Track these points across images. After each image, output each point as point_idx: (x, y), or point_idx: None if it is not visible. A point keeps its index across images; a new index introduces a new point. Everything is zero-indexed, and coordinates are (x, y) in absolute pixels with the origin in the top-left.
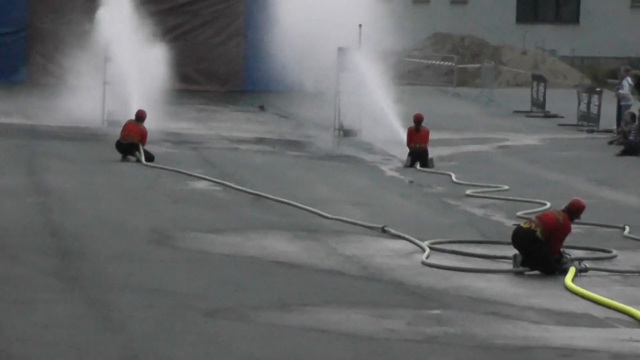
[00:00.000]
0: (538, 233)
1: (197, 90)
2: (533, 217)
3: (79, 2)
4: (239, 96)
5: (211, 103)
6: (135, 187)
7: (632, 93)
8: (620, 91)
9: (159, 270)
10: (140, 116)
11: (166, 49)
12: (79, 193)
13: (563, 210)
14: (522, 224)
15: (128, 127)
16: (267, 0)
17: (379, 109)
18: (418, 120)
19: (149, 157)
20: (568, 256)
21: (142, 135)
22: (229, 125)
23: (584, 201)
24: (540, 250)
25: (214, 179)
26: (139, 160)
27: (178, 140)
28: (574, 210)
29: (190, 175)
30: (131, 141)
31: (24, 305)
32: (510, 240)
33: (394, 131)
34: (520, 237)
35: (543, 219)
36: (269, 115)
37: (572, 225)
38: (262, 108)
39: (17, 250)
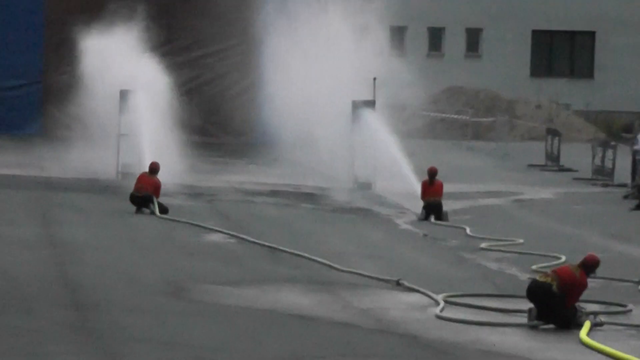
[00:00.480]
0: (554, 287)
1: (211, 143)
2: (549, 271)
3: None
4: (253, 149)
5: (226, 155)
6: (150, 239)
7: None
8: (635, 147)
9: (174, 323)
10: (154, 168)
11: (181, 102)
12: (93, 245)
13: (578, 266)
14: (537, 278)
15: (142, 180)
16: (282, 53)
17: (393, 162)
18: (432, 173)
19: (163, 210)
20: (583, 310)
21: (156, 188)
22: (244, 177)
23: (598, 256)
24: (556, 304)
25: (228, 232)
26: (153, 213)
27: (192, 192)
28: (589, 266)
29: (204, 227)
30: (145, 194)
31: (39, 358)
32: (525, 293)
33: (408, 184)
34: (536, 291)
35: (559, 273)
36: (283, 168)
37: (588, 280)
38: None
39: (32, 302)
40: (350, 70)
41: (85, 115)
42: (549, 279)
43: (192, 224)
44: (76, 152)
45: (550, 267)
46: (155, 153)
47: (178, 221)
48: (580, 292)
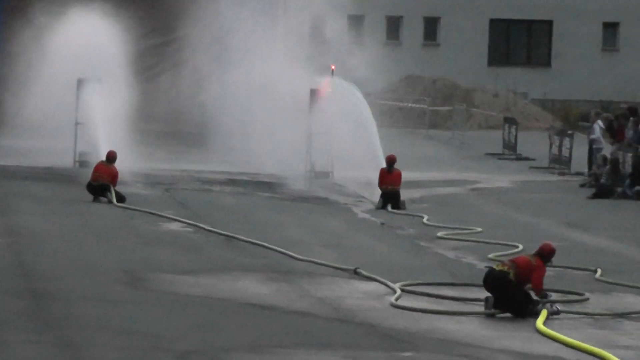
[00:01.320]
0: (511, 275)
1: (168, 132)
2: (506, 260)
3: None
4: (210, 137)
5: (182, 144)
6: (107, 228)
7: (603, 136)
8: (592, 136)
9: (131, 312)
10: (111, 157)
11: (139, 90)
12: (50, 234)
13: (534, 254)
14: (494, 266)
15: (99, 169)
16: (240, 43)
17: (350, 151)
18: (391, 161)
19: (121, 198)
20: (549, 296)
21: (113, 177)
22: (201, 166)
23: (554, 244)
24: (512, 292)
25: (185, 220)
26: (110, 202)
27: (150, 181)
28: (545, 254)
29: (162, 216)
30: (102, 183)
31: None
32: (482, 282)
33: (366, 173)
34: (493, 280)
35: (516, 261)
36: (240, 157)
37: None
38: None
39: None
40: (308, 59)
41: (41, 104)
42: (505, 268)
43: (149, 213)
44: (33, 141)
45: (508, 256)
46: (112, 142)
47: (135, 210)
48: (541, 273)
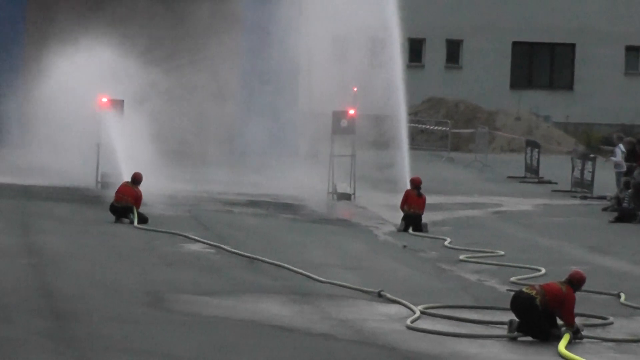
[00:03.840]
0: (537, 301)
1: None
2: (537, 285)
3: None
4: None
5: (206, 164)
6: (129, 249)
7: (626, 160)
8: (612, 158)
9: (153, 333)
10: (137, 179)
11: (163, 111)
12: (72, 254)
13: (565, 282)
14: (524, 289)
15: (122, 190)
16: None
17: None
18: (418, 184)
19: (143, 219)
20: (581, 328)
21: (137, 198)
22: (223, 187)
23: (584, 273)
24: (537, 317)
25: (208, 242)
26: (132, 222)
27: (172, 202)
28: (575, 282)
29: (184, 236)
30: (125, 204)
31: None
32: (503, 305)
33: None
34: (519, 303)
35: (545, 288)
36: (263, 178)
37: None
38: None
39: (10, 311)
40: (332, 81)
41: (65, 124)
42: (534, 292)
43: (171, 233)
44: (56, 161)
45: (530, 280)
46: (134, 162)
47: (157, 231)
48: (572, 306)
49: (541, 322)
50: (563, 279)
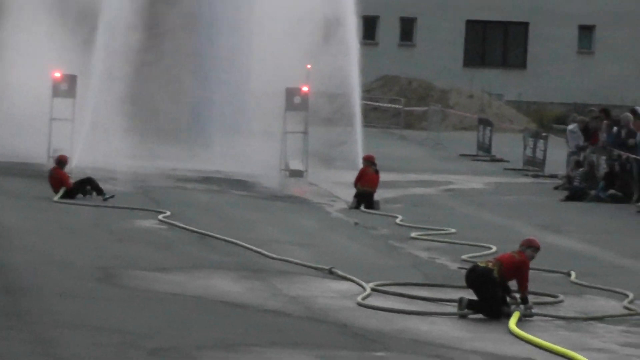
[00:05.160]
0: (495, 273)
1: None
2: (491, 258)
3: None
4: (186, 135)
5: (159, 141)
6: (81, 224)
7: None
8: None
9: (104, 308)
10: (62, 161)
11: (116, 88)
12: (23, 229)
13: (516, 251)
14: (479, 263)
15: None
16: (216, 41)
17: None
18: (373, 160)
19: (99, 191)
20: (516, 300)
21: (61, 182)
22: (176, 163)
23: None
24: (493, 290)
25: (167, 220)
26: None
27: (124, 178)
28: (528, 246)
29: (133, 209)
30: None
31: None
32: (454, 283)
33: (340, 172)
34: (476, 276)
35: (501, 259)
36: (216, 155)
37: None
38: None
39: None
40: (284, 58)
41: (16, 99)
42: (490, 265)
43: (119, 208)
44: (6, 136)
45: (481, 257)
46: (88, 138)
47: (107, 207)
48: (527, 271)
49: (497, 296)
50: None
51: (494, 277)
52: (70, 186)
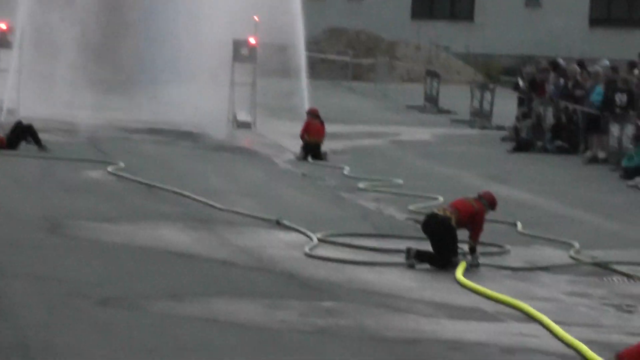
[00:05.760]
0: (452, 221)
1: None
2: (446, 206)
3: None
4: (133, 86)
5: (106, 91)
6: (28, 175)
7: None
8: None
9: (51, 258)
10: None
11: (62, 39)
12: None
13: (474, 198)
14: (436, 211)
15: None
16: None
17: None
18: (317, 113)
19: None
20: (461, 250)
21: None
22: (123, 114)
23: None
24: (450, 238)
25: (115, 172)
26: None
27: (71, 129)
28: (486, 199)
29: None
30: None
31: None
32: (401, 233)
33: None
34: (435, 224)
35: (457, 206)
36: (163, 105)
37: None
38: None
39: None
40: (232, 9)
41: None
42: (447, 213)
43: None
44: None
45: (428, 208)
46: (34, 89)
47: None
48: (483, 221)
49: (451, 246)
50: (472, 197)
51: (452, 227)
52: (3, 142)
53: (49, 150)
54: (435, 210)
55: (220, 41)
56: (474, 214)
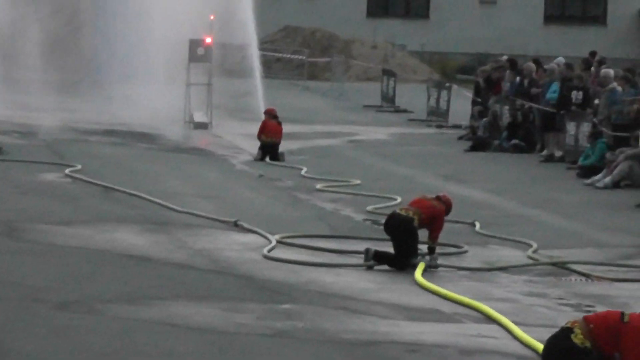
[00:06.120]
0: (415, 222)
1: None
2: (408, 206)
3: None
4: (89, 87)
5: (61, 93)
6: None
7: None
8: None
9: (6, 262)
10: None
11: (17, 38)
12: None
13: (435, 199)
14: (398, 210)
15: None
16: None
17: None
18: (274, 113)
19: None
20: (420, 251)
21: None
22: (79, 116)
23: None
24: (411, 239)
25: (71, 174)
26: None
27: (26, 131)
28: (445, 202)
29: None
30: None
31: None
32: (359, 234)
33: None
34: (398, 223)
35: (419, 205)
36: (119, 106)
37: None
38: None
39: None
40: (187, 10)
41: None
42: (410, 213)
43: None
44: None
45: (385, 208)
46: None
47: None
48: (443, 221)
49: (412, 247)
50: (429, 196)
51: (414, 227)
52: None
53: (5, 152)
54: (397, 210)
55: (176, 41)
56: (435, 215)
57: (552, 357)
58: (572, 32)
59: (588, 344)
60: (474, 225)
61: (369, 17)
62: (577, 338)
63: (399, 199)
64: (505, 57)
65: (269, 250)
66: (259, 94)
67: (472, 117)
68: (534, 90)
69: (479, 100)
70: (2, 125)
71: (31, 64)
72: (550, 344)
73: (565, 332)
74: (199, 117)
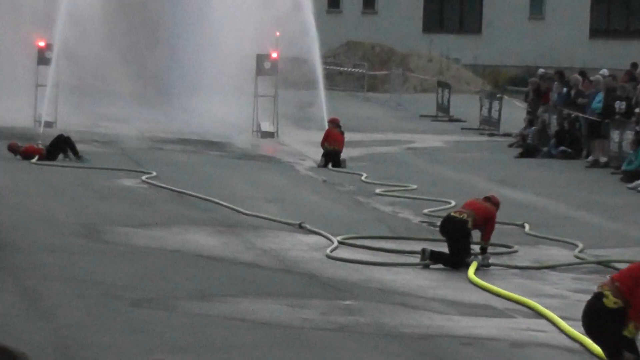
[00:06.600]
0: (469, 224)
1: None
2: (462, 208)
3: None
4: (163, 98)
5: (138, 104)
6: (65, 184)
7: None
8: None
9: (88, 262)
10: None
11: (98, 54)
12: (10, 189)
13: (487, 201)
14: (452, 213)
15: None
16: (188, 9)
17: (293, 112)
18: (338, 122)
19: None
20: (473, 251)
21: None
22: (154, 126)
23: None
24: (465, 242)
25: (147, 180)
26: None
27: (104, 140)
28: (494, 202)
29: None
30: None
31: None
32: (416, 235)
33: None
34: (453, 226)
35: (473, 208)
36: (191, 117)
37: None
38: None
39: None
40: (255, 27)
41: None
42: (464, 216)
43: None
44: None
45: (441, 211)
46: (70, 102)
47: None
48: (494, 223)
49: (467, 248)
50: (480, 198)
51: (468, 229)
52: (42, 153)
53: (86, 160)
54: (452, 213)
55: (244, 55)
56: (488, 216)
57: (592, 325)
58: (617, 45)
59: (620, 303)
60: (524, 227)
61: (425, 33)
62: (609, 300)
63: (453, 203)
64: (552, 71)
65: (332, 251)
66: (322, 105)
67: (523, 125)
68: (580, 100)
69: (529, 110)
70: (83, 135)
71: (109, 76)
72: (587, 312)
73: (598, 298)
74: (265, 126)
